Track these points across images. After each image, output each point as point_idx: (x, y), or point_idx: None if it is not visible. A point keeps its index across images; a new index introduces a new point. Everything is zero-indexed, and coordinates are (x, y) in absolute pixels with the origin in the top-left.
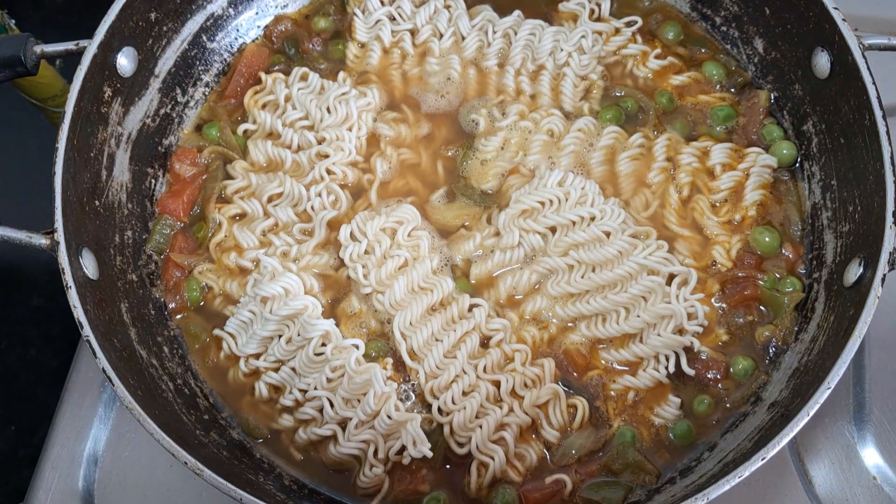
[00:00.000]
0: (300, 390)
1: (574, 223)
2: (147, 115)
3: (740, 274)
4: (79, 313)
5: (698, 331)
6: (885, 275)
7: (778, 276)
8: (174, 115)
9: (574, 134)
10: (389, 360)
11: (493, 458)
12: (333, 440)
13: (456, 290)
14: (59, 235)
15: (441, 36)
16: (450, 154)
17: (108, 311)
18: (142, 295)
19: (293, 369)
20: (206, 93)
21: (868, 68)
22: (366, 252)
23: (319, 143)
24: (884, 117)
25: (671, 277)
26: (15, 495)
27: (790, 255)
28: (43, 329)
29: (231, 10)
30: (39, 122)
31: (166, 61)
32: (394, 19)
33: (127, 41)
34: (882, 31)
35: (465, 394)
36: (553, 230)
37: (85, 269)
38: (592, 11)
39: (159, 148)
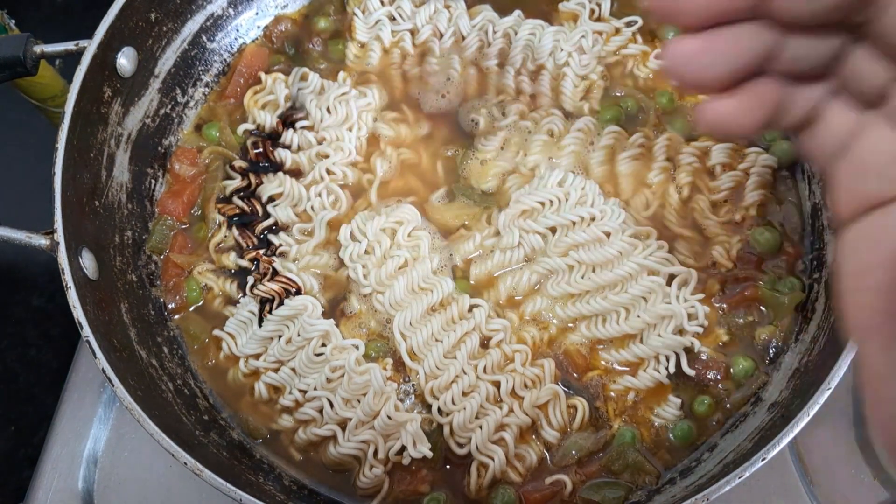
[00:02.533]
0: (300, 390)
1: (574, 223)
2: (147, 115)
3: (740, 274)
4: (78, 314)
5: (698, 331)
6: None
7: (778, 276)
8: (174, 116)
9: (574, 134)
10: (389, 361)
11: (493, 459)
12: (333, 440)
13: (456, 291)
14: (59, 236)
15: (441, 36)
16: (449, 154)
17: (107, 311)
18: (141, 295)
19: (293, 370)
20: (206, 93)
21: None
22: (366, 252)
23: (319, 143)
24: None
25: (671, 278)
26: (15, 495)
27: (790, 256)
28: (43, 329)
29: (231, 10)
30: (39, 123)
31: (166, 61)
32: (394, 19)
33: (127, 41)
34: None
35: (464, 394)
36: (553, 230)
37: (85, 269)
38: (593, 11)
39: (159, 148)
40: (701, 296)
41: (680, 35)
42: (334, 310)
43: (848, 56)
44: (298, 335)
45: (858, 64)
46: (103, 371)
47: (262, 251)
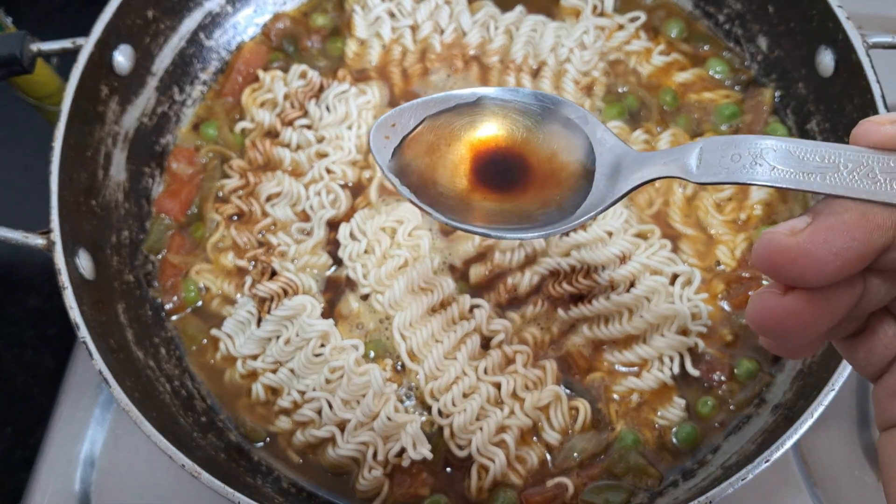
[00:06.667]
0: (298, 392)
1: None
2: (144, 113)
3: (745, 274)
4: (75, 314)
5: (702, 331)
6: None
7: None
8: (171, 114)
9: None
10: (389, 362)
11: (493, 461)
12: (332, 442)
13: (456, 291)
14: (56, 235)
15: (442, 32)
16: None
17: (104, 312)
18: (139, 296)
19: (291, 370)
20: (204, 91)
21: (872, 66)
22: (365, 251)
23: (319, 141)
24: None
25: (675, 277)
26: (11, 497)
27: None
28: (39, 330)
29: (229, 7)
30: (35, 121)
31: (163, 59)
32: (394, 15)
33: (124, 39)
34: (886, 30)
35: (465, 396)
36: None
37: (81, 269)
38: (595, 7)
39: (156, 147)
40: (705, 295)
41: (767, 287)
42: (333, 310)
43: None
44: (297, 335)
45: None
46: (100, 372)
47: (260, 251)
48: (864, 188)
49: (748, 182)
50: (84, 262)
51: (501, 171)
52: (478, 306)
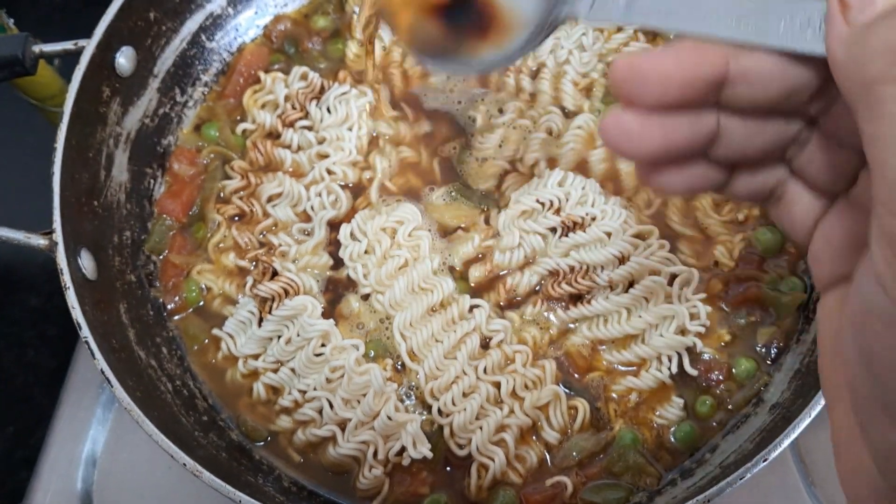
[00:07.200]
0: (299, 391)
1: (575, 223)
2: (146, 115)
3: (742, 274)
4: (77, 314)
5: (700, 330)
6: None
7: (780, 276)
8: (173, 115)
9: (574, 131)
10: (389, 361)
11: (493, 460)
12: (332, 441)
13: (456, 291)
14: (58, 236)
15: None
16: (447, 154)
17: (106, 312)
18: (140, 296)
19: (292, 370)
20: (205, 92)
21: None
22: (366, 252)
23: (319, 142)
24: None
25: (673, 277)
26: (12, 497)
27: (792, 256)
28: (40, 330)
29: (230, 9)
30: (37, 122)
31: (165, 61)
32: None
33: (126, 41)
34: None
35: (465, 395)
36: (553, 231)
37: (83, 269)
38: None
39: (158, 148)
40: (703, 295)
41: (618, 107)
42: (334, 310)
43: (805, 144)
44: (298, 335)
45: (813, 152)
46: (102, 372)
47: (261, 251)
48: (703, 27)
49: (621, 21)
50: (86, 263)
51: (463, 17)
52: (477, 306)
